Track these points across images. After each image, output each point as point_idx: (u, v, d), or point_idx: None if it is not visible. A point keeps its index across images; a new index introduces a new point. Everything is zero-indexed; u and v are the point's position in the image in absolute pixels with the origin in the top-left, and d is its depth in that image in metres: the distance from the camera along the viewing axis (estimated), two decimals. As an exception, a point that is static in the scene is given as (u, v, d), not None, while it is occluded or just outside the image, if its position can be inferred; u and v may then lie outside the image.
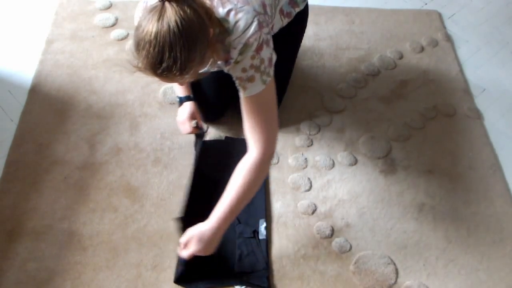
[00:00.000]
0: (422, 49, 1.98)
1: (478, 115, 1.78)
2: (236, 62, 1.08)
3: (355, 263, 1.37)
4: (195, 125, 1.45)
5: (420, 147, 1.66)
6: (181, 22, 0.90)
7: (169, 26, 0.90)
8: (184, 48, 0.92)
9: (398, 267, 1.38)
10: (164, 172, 1.51)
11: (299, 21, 1.43)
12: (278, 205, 1.47)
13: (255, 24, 1.05)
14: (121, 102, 1.68)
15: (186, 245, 1.20)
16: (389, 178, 1.57)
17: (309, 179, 1.54)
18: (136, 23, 1.16)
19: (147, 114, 1.66)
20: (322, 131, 1.67)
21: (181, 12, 0.90)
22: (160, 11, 0.90)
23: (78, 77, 1.74)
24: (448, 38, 2.04)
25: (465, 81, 1.89)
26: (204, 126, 1.57)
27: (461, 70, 1.93)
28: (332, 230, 1.43)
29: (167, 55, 0.91)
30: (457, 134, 1.71)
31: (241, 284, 1.30)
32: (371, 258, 1.38)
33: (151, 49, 0.91)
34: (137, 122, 1.63)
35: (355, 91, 1.80)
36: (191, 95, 1.47)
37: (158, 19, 0.90)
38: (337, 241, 1.41)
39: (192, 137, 1.59)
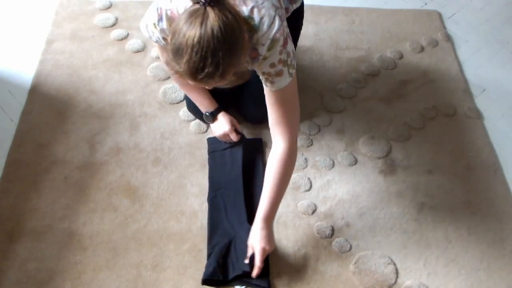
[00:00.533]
0: (422, 49, 1.98)
1: (478, 115, 1.78)
2: (265, 58, 1.08)
3: (355, 263, 1.37)
4: (240, 132, 1.55)
5: (420, 147, 1.66)
6: (224, 27, 0.89)
7: (212, 31, 0.88)
8: (226, 54, 0.91)
9: (398, 267, 1.38)
10: (164, 172, 1.51)
11: (295, 18, 1.43)
12: (278, 205, 1.47)
13: (278, 18, 1.06)
14: (121, 102, 1.68)
15: (251, 257, 1.27)
16: (389, 178, 1.57)
17: (309, 179, 1.54)
18: (144, 25, 1.15)
19: (147, 114, 1.66)
20: (322, 131, 1.67)
21: (223, 17, 0.90)
22: (202, 16, 0.89)
23: (78, 77, 1.74)
24: (448, 38, 2.04)
25: (465, 81, 1.89)
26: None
27: (461, 70, 1.93)
28: (332, 230, 1.43)
29: (209, 60, 0.90)
30: (457, 134, 1.71)
31: (241, 284, 1.30)
32: (371, 258, 1.38)
33: (194, 54, 0.90)
34: (137, 122, 1.63)
35: (355, 91, 1.80)
36: (219, 106, 1.52)
37: (201, 24, 0.88)
38: (337, 241, 1.41)
39: (192, 138, 1.59)
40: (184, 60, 0.91)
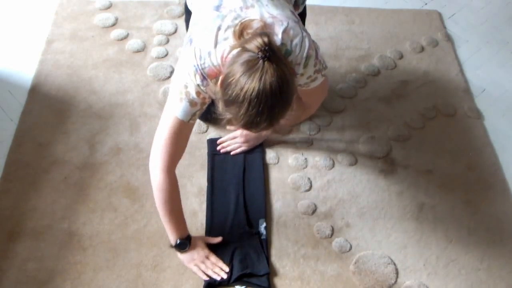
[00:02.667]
0: (422, 49, 1.98)
1: (478, 115, 1.77)
2: (302, 75, 1.11)
3: (355, 263, 1.37)
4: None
5: (420, 147, 1.66)
6: (282, 83, 0.90)
7: (271, 87, 0.89)
8: (281, 108, 0.93)
9: (398, 267, 1.38)
10: (164, 172, 1.51)
11: None
12: (278, 205, 1.47)
13: (305, 35, 1.07)
14: (121, 102, 1.68)
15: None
16: (389, 178, 1.57)
17: (309, 179, 1.54)
18: (178, 94, 1.10)
19: (147, 114, 1.66)
20: (322, 131, 1.67)
21: (281, 72, 0.90)
22: (261, 70, 0.89)
23: (78, 77, 1.74)
24: (448, 38, 2.04)
25: (465, 81, 1.89)
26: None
27: (461, 70, 1.93)
28: (332, 230, 1.43)
29: (265, 116, 0.91)
30: (457, 134, 1.71)
31: (241, 284, 1.30)
32: (371, 258, 1.38)
33: (250, 108, 0.90)
34: (137, 122, 1.63)
35: (355, 91, 1.80)
36: (187, 235, 1.29)
37: (260, 79, 0.88)
38: (337, 241, 1.41)
39: (192, 138, 1.59)
40: (241, 113, 0.92)
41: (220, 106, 0.98)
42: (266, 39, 0.90)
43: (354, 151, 1.63)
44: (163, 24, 1.94)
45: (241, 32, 0.97)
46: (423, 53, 1.97)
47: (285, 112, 0.95)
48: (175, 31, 1.92)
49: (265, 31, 0.96)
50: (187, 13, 1.37)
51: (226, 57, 1.01)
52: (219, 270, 1.28)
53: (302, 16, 1.46)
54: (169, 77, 1.76)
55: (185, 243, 1.27)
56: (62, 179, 1.47)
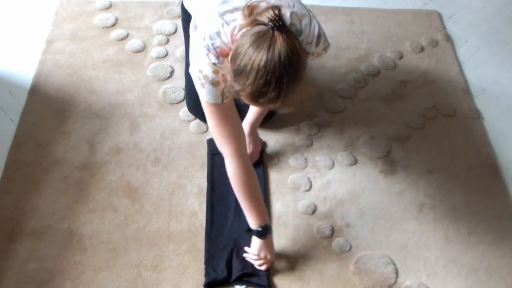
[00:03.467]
0: (422, 49, 1.98)
1: (478, 115, 1.78)
2: (312, 54, 1.13)
3: (355, 263, 1.37)
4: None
5: (420, 147, 1.66)
6: (292, 54, 0.89)
7: (279, 57, 0.88)
8: (290, 80, 0.91)
9: (398, 267, 1.38)
10: (164, 172, 1.51)
11: None
12: (278, 205, 1.47)
13: (312, 14, 1.09)
14: (121, 102, 1.68)
15: (261, 263, 1.30)
16: (389, 178, 1.57)
17: (309, 179, 1.54)
18: (197, 73, 1.09)
19: (147, 114, 1.66)
20: (322, 131, 1.67)
21: (291, 43, 0.89)
22: (270, 40, 0.88)
23: (78, 77, 1.74)
24: (448, 38, 2.04)
25: (465, 81, 1.89)
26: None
27: (461, 70, 1.93)
28: (332, 230, 1.43)
29: (273, 85, 0.90)
30: (457, 134, 1.71)
31: (241, 284, 1.30)
32: (371, 258, 1.38)
33: (258, 77, 0.89)
34: (137, 122, 1.63)
35: (355, 91, 1.80)
36: (269, 223, 1.28)
37: (269, 48, 0.87)
38: (337, 241, 1.41)
39: (192, 138, 1.59)
40: (248, 82, 0.91)
41: (229, 78, 0.97)
42: (277, 11, 0.90)
43: (354, 151, 1.63)
44: (163, 24, 1.94)
45: (250, 12, 0.97)
46: (423, 53, 1.97)
47: (295, 84, 0.92)
48: (175, 31, 1.92)
49: (276, 4, 0.96)
50: (184, 13, 1.37)
51: (236, 34, 1.01)
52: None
53: None
54: (169, 77, 1.76)
55: (269, 228, 1.26)
56: (62, 179, 1.47)
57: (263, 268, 1.30)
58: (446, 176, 1.59)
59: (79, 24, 1.92)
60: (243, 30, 0.96)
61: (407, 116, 1.74)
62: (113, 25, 1.93)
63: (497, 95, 1.87)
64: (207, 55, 1.05)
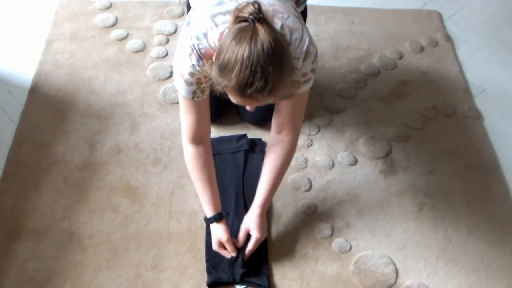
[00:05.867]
0: (422, 49, 1.98)
1: (478, 115, 1.78)
2: (298, 69, 1.09)
3: (355, 263, 1.37)
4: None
5: (420, 147, 1.66)
6: (274, 43, 0.89)
7: (262, 46, 0.88)
8: (276, 69, 0.91)
9: (398, 267, 1.38)
10: (164, 172, 1.51)
11: None
12: (278, 205, 1.47)
13: (305, 31, 1.06)
14: (121, 102, 1.68)
15: (245, 241, 1.32)
16: (389, 178, 1.57)
17: (309, 179, 1.54)
18: (179, 76, 1.11)
19: (147, 114, 1.66)
20: (322, 131, 1.67)
21: (273, 33, 0.90)
22: (252, 31, 0.89)
23: (78, 77, 1.74)
24: (448, 38, 2.04)
25: (465, 81, 1.89)
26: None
27: (461, 70, 1.93)
28: (332, 230, 1.43)
29: (259, 75, 0.90)
30: (457, 134, 1.71)
31: (241, 284, 1.30)
32: (371, 258, 1.38)
33: (243, 69, 0.89)
34: (137, 122, 1.63)
35: (355, 91, 1.80)
36: (223, 211, 1.31)
37: (251, 40, 0.88)
38: (337, 241, 1.41)
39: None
40: (233, 75, 0.91)
41: (213, 75, 0.97)
42: (256, 5, 0.90)
43: (354, 151, 1.63)
44: (163, 24, 1.94)
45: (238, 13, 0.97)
46: (423, 53, 1.97)
47: (281, 74, 0.93)
48: (175, 31, 1.92)
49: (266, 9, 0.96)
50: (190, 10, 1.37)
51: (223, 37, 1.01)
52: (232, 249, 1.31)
53: (303, 15, 1.46)
54: (169, 77, 1.76)
55: (223, 214, 1.30)
56: (62, 179, 1.47)
57: (250, 245, 1.30)
58: (446, 176, 1.59)
59: (79, 24, 1.92)
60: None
61: (407, 116, 1.74)
62: (113, 25, 1.93)
63: (497, 95, 1.87)
64: (190, 55, 1.06)
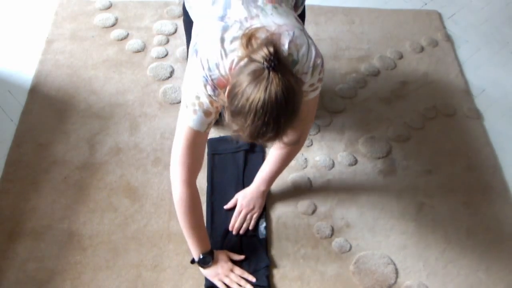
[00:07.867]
0: (422, 49, 1.98)
1: (478, 116, 1.78)
2: (305, 83, 1.10)
3: (355, 263, 1.37)
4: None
5: (419, 147, 1.66)
6: (288, 93, 0.89)
7: (276, 97, 0.88)
8: (288, 118, 0.92)
9: (398, 267, 1.38)
10: (164, 172, 1.51)
11: None
12: (278, 205, 1.47)
13: (311, 43, 1.06)
14: (121, 102, 1.68)
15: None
16: (388, 178, 1.57)
17: (309, 179, 1.54)
18: (190, 103, 1.09)
19: (147, 114, 1.66)
20: (322, 131, 1.67)
21: (286, 81, 0.89)
22: (266, 80, 0.88)
23: (78, 77, 1.74)
24: (448, 38, 2.04)
25: (465, 81, 1.89)
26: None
27: (461, 71, 1.93)
28: (332, 230, 1.43)
29: (271, 126, 0.91)
30: (457, 134, 1.71)
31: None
32: (371, 258, 1.38)
33: (256, 119, 0.90)
34: (137, 122, 1.63)
35: (355, 91, 1.80)
36: (208, 249, 1.28)
37: (265, 89, 0.88)
38: (337, 241, 1.41)
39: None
40: (247, 124, 0.92)
41: (227, 117, 0.98)
42: (271, 49, 0.90)
43: (354, 151, 1.63)
44: (163, 24, 1.94)
45: (248, 40, 0.96)
46: (423, 53, 1.97)
47: (292, 121, 0.94)
48: (175, 31, 1.92)
49: (272, 39, 0.95)
50: (186, 15, 1.37)
51: (234, 68, 1.00)
52: (244, 282, 1.28)
53: (302, 17, 1.46)
54: (169, 77, 1.76)
55: (208, 258, 1.26)
56: (62, 179, 1.48)
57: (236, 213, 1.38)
58: (445, 176, 1.59)
59: (79, 24, 1.92)
60: (241, 63, 0.95)
61: (407, 116, 1.74)
62: (113, 25, 1.93)
63: (497, 96, 1.87)
64: (205, 86, 1.05)
